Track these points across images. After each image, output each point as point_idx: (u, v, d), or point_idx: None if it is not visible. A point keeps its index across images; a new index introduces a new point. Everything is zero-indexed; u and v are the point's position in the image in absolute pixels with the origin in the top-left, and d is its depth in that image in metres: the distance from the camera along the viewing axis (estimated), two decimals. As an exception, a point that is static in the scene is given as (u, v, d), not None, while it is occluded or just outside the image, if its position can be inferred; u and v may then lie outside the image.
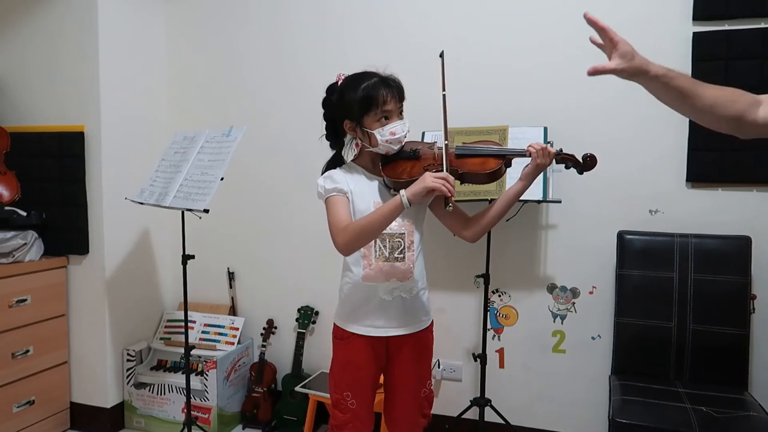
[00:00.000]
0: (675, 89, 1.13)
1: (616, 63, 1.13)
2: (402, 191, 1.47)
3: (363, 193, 1.63)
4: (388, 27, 2.61)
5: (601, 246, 2.36)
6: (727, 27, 2.18)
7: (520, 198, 1.68)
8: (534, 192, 2.14)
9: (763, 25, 2.14)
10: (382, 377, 1.76)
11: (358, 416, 1.69)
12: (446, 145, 1.56)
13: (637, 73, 1.13)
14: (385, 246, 1.63)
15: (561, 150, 1.63)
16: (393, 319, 1.64)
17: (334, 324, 1.73)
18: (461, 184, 1.70)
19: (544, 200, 2.20)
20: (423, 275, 1.71)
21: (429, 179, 1.46)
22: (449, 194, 1.45)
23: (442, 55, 1.61)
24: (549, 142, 2.27)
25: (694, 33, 2.21)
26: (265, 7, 2.81)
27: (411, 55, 2.54)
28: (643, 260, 2.21)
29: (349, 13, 2.67)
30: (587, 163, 1.63)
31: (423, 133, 2.38)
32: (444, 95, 1.58)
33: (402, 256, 1.64)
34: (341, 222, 1.55)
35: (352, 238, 1.52)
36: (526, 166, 1.62)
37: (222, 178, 2.14)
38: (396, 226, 1.62)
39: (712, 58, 2.19)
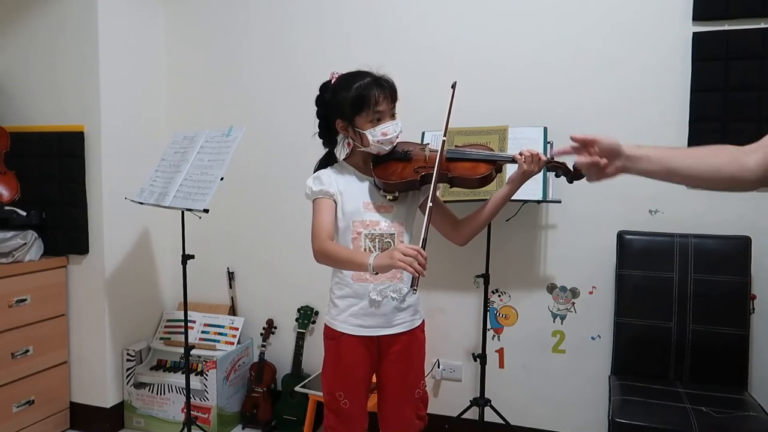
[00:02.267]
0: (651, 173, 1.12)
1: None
2: (371, 258, 1.44)
3: (353, 193, 1.64)
4: (387, 27, 2.61)
5: (601, 246, 2.36)
6: (727, 27, 2.18)
7: (520, 199, 1.68)
8: (534, 192, 2.15)
9: (763, 25, 2.14)
10: (375, 378, 1.76)
11: (351, 416, 1.70)
12: (431, 206, 1.47)
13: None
14: (374, 246, 1.63)
15: (552, 158, 1.62)
16: (383, 318, 1.65)
17: (325, 324, 1.74)
18: (451, 187, 1.70)
19: (544, 200, 2.20)
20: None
21: (397, 257, 1.35)
22: (416, 275, 1.33)
23: (454, 86, 1.60)
24: (549, 143, 2.29)
25: (694, 33, 2.21)
26: (264, 6, 2.81)
27: (410, 55, 2.54)
28: (643, 260, 2.21)
29: (348, 12, 2.67)
30: (577, 172, 1.63)
31: (423, 133, 2.38)
32: (444, 141, 1.57)
33: None
34: (323, 230, 1.58)
35: (325, 255, 1.56)
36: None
37: (222, 178, 2.15)
38: (386, 226, 1.63)
39: (712, 58, 2.19)
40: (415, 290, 1.37)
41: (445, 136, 1.58)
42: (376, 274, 1.47)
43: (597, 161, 1.12)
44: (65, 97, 2.64)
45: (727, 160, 1.07)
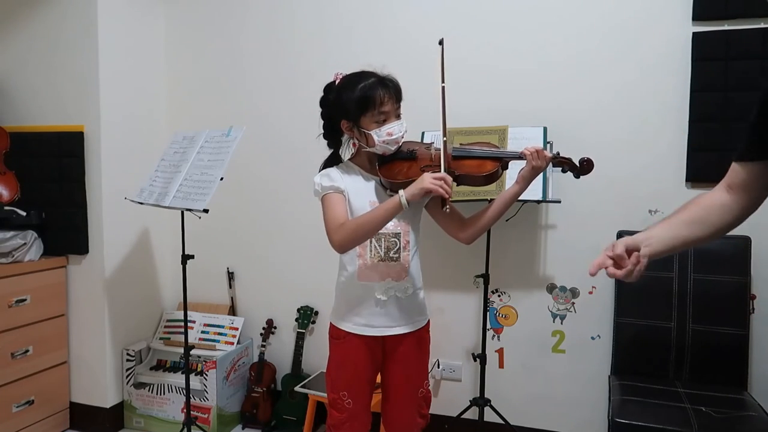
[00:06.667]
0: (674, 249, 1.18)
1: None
2: (401, 191, 1.47)
3: (359, 192, 1.64)
4: (387, 27, 2.61)
5: (601, 246, 2.28)
6: (726, 27, 2.18)
7: (519, 198, 1.68)
8: (534, 192, 2.14)
9: (762, 25, 2.14)
10: (379, 377, 1.76)
11: (354, 416, 1.70)
12: (444, 142, 1.53)
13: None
14: (380, 245, 1.63)
15: (557, 153, 1.63)
16: (388, 318, 1.65)
17: (330, 323, 1.74)
18: (457, 185, 1.70)
19: (544, 200, 2.20)
20: (419, 275, 1.71)
21: (427, 180, 1.45)
22: (446, 196, 1.43)
23: (441, 43, 1.58)
24: (549, 143, 2.29)
25: (694, 33, 2.21)
26: (264, 7, 2.81)
27: (411, 55, 2.53)
28: (642, 260, 2.21)
29: (349, 13, 2.67)
30: (583, 167, 1.64)
31: (423, 134, 2.38)
32: (443, 87, 1.55)
33: (397, 255, 1.64)
34: (337, 219, 1.55)
35: (349, 235, 1.52)
36: (523, 168, 1.62)
37: (222, 178, 2.14)
38: (392, 225, 1.62)
39: (711, 58, 2.19)
40: (448, 209, 1.48)
41: (443, 83, 1.56)
42: (409, 206, 1.49)
43: (631, 268, 1.16)
44: (65, 97, 2.64)
45: (720, 217, 1.15)
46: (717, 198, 1.15)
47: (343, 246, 1.55)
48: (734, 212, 1.13)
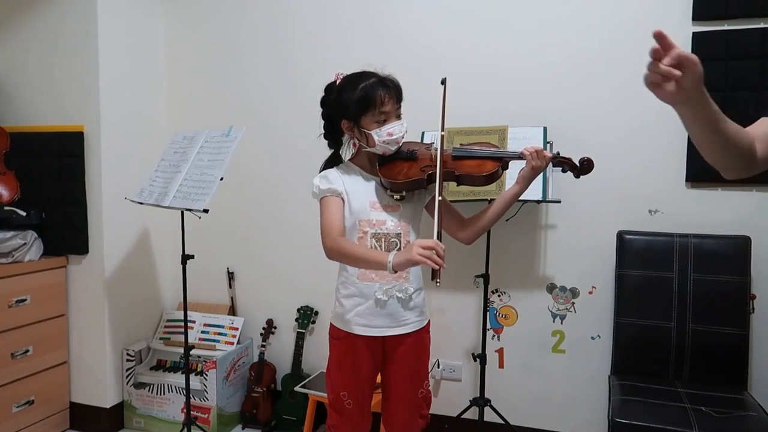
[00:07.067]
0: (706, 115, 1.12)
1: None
2: (390, 257, 1.42)
3: (359, 192, 1.64)
4: (388, 27, 2.61)
5: (601, 246, 2.36)
6: (726, 27, 2.18)
7: (519, 198, 1.68)
8: (533, 192, 2.14)
9: (762, 25, 2.14)
10: (379, 377, 1.76)
11: (354, 416, 1.70)
12: (441, 200, 1.47)
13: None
14: (380, 246, 1.63)
15: (557, 153, 1.63)
16: (389, 318, 1.65)
17: (331, 323, 1.74)
18: (458, 185, 1.70)
19: (544, 200, 2.20)
20: (419, 275, 1.71)
21: (415, 251, 1.35)
22: (436, 267, 1.33)
23: (444, 82, 1.58)
24: (549, 143, 2.29)
25: (694, 33, 2.21)
26: (264, 6, 2.81)
27: (411, 56, 2.54)
28: (642, 260, 2.21)
29: (349, 13, 2.67)
30: (584, 167, 1.64)
31: (423, 134, 2.38)
32: (442, 136, 1.55)
33: None
34: (333, 228, 1.56)
35: (338, 251, 1.54)
36: (523, 168, 1.63)
37: (222, 178, 2.15)
38: (392, 226, 1.63)
39: (711, 58, 2.18)
40: (438, 282, 1.34)
41: (443, 131, 1.56)
42: (396, 272, 1.46)
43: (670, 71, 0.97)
44: (65, 97, 2.64)
45: (749, 144, 1.15)
46: (747, 133, 1.18)
47: (331, 255, 1.56)
48: (752, 150, 1.16)
